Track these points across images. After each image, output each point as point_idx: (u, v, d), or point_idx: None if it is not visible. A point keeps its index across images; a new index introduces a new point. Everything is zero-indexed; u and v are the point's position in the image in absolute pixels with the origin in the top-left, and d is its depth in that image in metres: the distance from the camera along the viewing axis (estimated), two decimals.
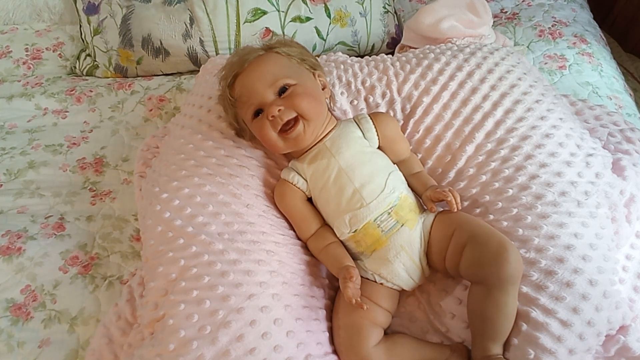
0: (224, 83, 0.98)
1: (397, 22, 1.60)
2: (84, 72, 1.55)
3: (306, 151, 0.97)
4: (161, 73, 1.53)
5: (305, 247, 0.97)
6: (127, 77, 1.53)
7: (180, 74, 1.54)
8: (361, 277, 0.89)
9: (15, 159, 1.28)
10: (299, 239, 0.97)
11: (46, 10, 1.65)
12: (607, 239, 0.89)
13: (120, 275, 1.05)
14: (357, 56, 1.41)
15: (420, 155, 1.05)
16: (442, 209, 0.94)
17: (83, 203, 1.19)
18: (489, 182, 0.97)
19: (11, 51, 1.58)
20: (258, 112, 0.94)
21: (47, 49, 1.60)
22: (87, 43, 1.55)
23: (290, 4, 1.48)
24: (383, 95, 1.10)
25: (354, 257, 0.92)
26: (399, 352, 0.85)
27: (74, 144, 1.32)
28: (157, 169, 1.04)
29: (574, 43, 1.45)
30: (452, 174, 1.02)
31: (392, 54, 1.38)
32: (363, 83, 1.12)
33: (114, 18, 1.48)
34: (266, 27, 1.47)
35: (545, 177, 0.93)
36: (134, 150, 1.27)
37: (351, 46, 1.55)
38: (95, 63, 1.54)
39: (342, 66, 1.17)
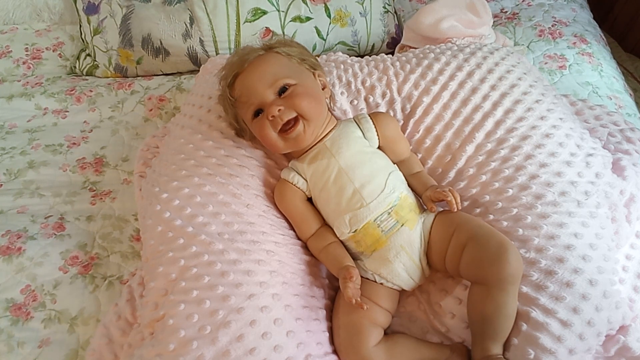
0: (224, 83, 0.98)
1: (397, 22, 1.60)
2: (84, 72, 1.55)
3: (306, 151, 0.97)
4: (161, 73, 1.53)
5: (305, 247, 0.97)
6: (127, 77, 1.53)
7: (180, 73, 1.54)
8: (361, 277, 0.89)
9: (15, 159, 1.28)
10: (299, 239, 0.97)
11: (46, 10, 1.65)
12: (607, 239, 0.89)
13: (120, 275, 1.05)
14: (357, 56, 1.41)
15: (420, 155, 1.05)
16: (442, 209, 0.94)
17: (83, 203, 1.19)
18: (489, 182, 0.97)
19: (11, 51, 1.58)
20: (258, 112, 0.94)
21: (47, 48, 1.60)
22: (87, 43, 1.55)
23: (290, 4, 1.48)
24: (383, 95, 1.10)
25: (354, 257, 0.92)
26: (399, 352, 0.85)
27: (74, 144, 1.32)
28: (157, 169, 1.04)
29: (574, 43, 1.45)
30: (452, 174, 1.02)
31: (392, 54, 1.38)
32: (363, 83, 1.12)
33: (114, 18, 1.48)
34: (266, 27, 1.47)
35: (545, 177, 0.93)
36: (134, 150, 1.27)
37: (351, 46, 1.55)
38: (95, 63, 1.54)
39: (342, 66, 1.16)
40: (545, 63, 1.41)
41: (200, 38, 1.46)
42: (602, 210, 0.92)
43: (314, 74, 1.00)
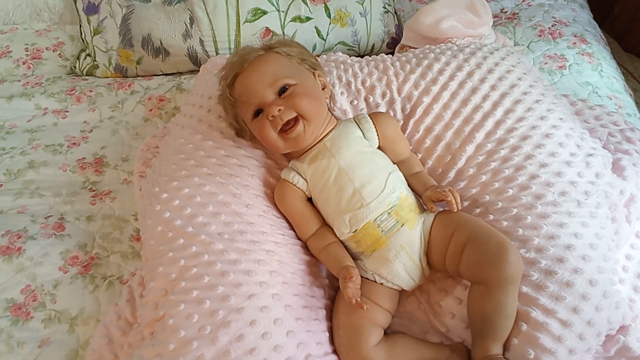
0: (224, 83, 0.98)
1: (397, 22, 1.60)
2: (84, 72, 1.55)
3: (306, 151, 0.97)
4: (161, 73, 1.53)
5: (305, 247, 0.97)
6: (127, 77, 1.53)
7: (180, 74, 1.54)
8: (361, 277, 0.89)
9: (15, 159, 1.28)
10: (299, 239, 0.97)
11: (46, 10, 1.65)
12: (607, 239, 0.89)
13: (120, 275, 1.05)
14: (357, 56, 1.41)
15: (420, 155, 1.05)
16: (442, 209, 0.94)
17: (83, 203, 1.19)
18: (489, 182, 0.97)
19: (11, 51, 1.58)
20: (258, 112, 0.94)
21: (47, 48, 1.60)
22: (87, 43, 1.55)
23: (290, 4, 1.48)
24: (383, 95, 1.10)
25: (354, 257, 0.92)
26: (399, 352, 0.85)
27: (74, 144, 1.32)
28: (157, 168, 1.04)
29: (574, 43, 1.45)
30: (452, 174, 1.02)
31: (392, 54, 1.38)
32: (363, 83, 1.12)
33: (114, 18, 1.48)
34: (266, 27, 1.47)
35: (545, 177, 0.93)
36: (134, 150, 1.27)
37: (351, 46, 1.55)
38: (95, 63, 1.54)
39: (342, 66, 1.17)
40: (545, 63, 1.41)
41: (200, 38, 1.46)
42: (602, 210, 0.92)
43: (314, 74, 1.00)
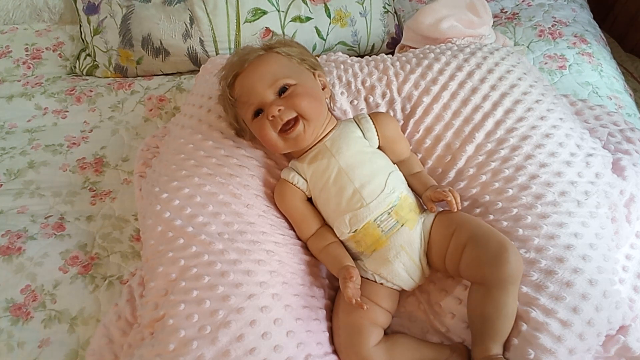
0: (224, 83, 0.98)
1: (397, 22, 1.60)
2: (84, 72, 1.55)
3: (306, 151, 0.97)
4: (161, 73, 1.53)
5: (305, 247, 0.97)
6: (127, 77, 1.53)
7: (180, 74, 1.54)
8: (361, 277, 0.89)
9: (15, 159, 1.28)
10: (299, 239, 0.97)
11: (46, 10, 1.65)
12: (607, 239, 0.89)
13: (120, 275, 1.05)
14: (357, 56, 1.41)
15: (420, 155, 1.05)
16: (442, 209, 0.94)
17: (83, 203, 1.19)
18: (489, 182, 0.97)
19: (11, 51, 1.58)
20: (258, 112, 0.94)
21: (47, 48, 1.60)
22: (87, 43, 1.55)
23: (290, 4, 1.48)
24: (383, 95, 1.10)
25: (354, 257, 0.92)
26: (399, 352, 0.85)
27: (74, 144, 1.32)
28: (157, 169, 1.04)
29: (574, 43, 1.45)
30: (452, 174, 1.02)
31: (392, 54, 1.38)
32: (363, 83, 1.12)
33: (114, 18, 1.48)
34: (266, 27, 1.47)
35: (545, 177, 0.93)
36: (134, 150, 1.27)
37: (351, 46, 1.55)
38: (95, 63, 1.54)
39: (342, 66, 1.17)
40: (545, 63, 1.41)
41: (200, 38, 1.46)
42: (602, 210, 0.92)
43: (314, 74, 1.00)
